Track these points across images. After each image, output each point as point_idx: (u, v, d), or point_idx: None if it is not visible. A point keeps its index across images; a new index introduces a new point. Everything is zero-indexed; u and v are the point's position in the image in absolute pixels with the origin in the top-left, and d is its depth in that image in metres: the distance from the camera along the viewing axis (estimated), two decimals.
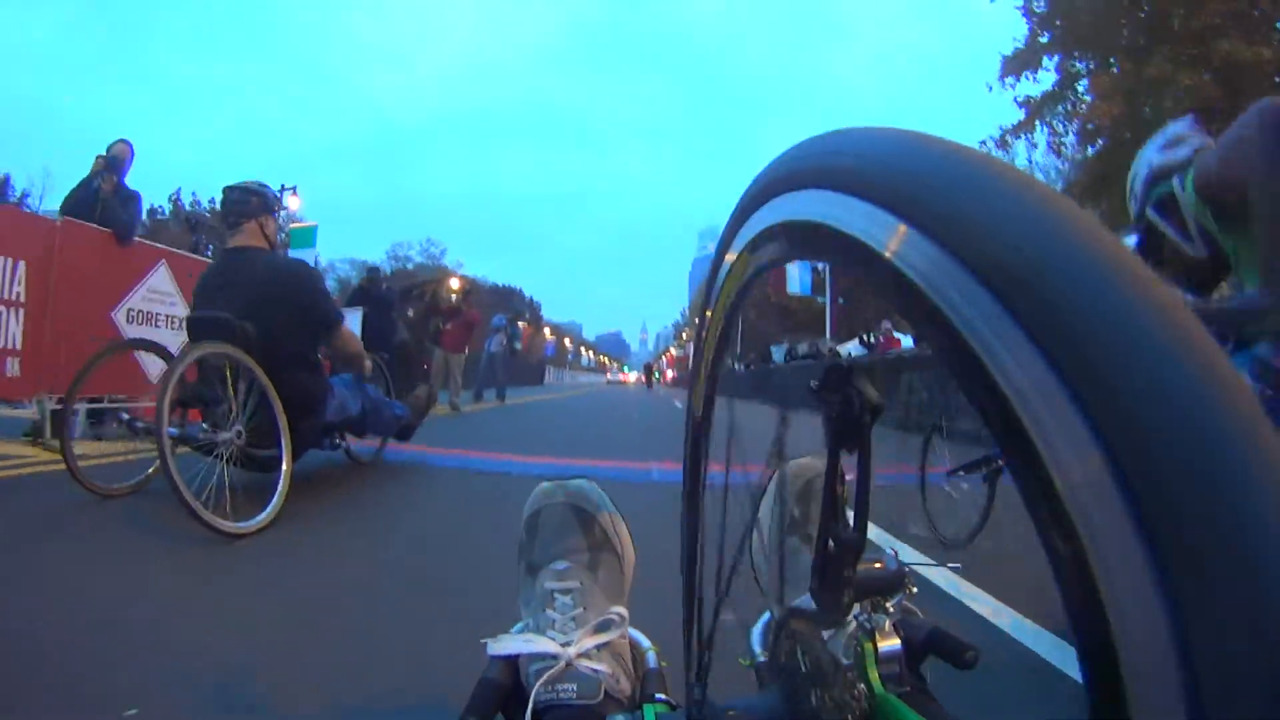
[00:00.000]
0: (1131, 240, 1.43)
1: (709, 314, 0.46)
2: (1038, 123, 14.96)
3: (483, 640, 0.61)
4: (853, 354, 11.31)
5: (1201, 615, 0.15)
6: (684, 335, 62.30)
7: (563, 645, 0.59)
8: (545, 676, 0.57)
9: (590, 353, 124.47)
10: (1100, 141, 14.09)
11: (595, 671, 0.58)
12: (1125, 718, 0.16)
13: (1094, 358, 0.17)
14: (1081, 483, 0.17)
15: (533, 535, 0.68)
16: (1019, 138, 15.43)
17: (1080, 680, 0.18)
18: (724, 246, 0.40)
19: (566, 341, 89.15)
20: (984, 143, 15.34)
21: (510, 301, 55.09)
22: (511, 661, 0.61)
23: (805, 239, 0.30)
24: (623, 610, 0.63)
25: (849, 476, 0.37)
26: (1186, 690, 0.15)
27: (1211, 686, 0.15)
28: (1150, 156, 1.39)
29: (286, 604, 1.46)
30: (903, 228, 0.23)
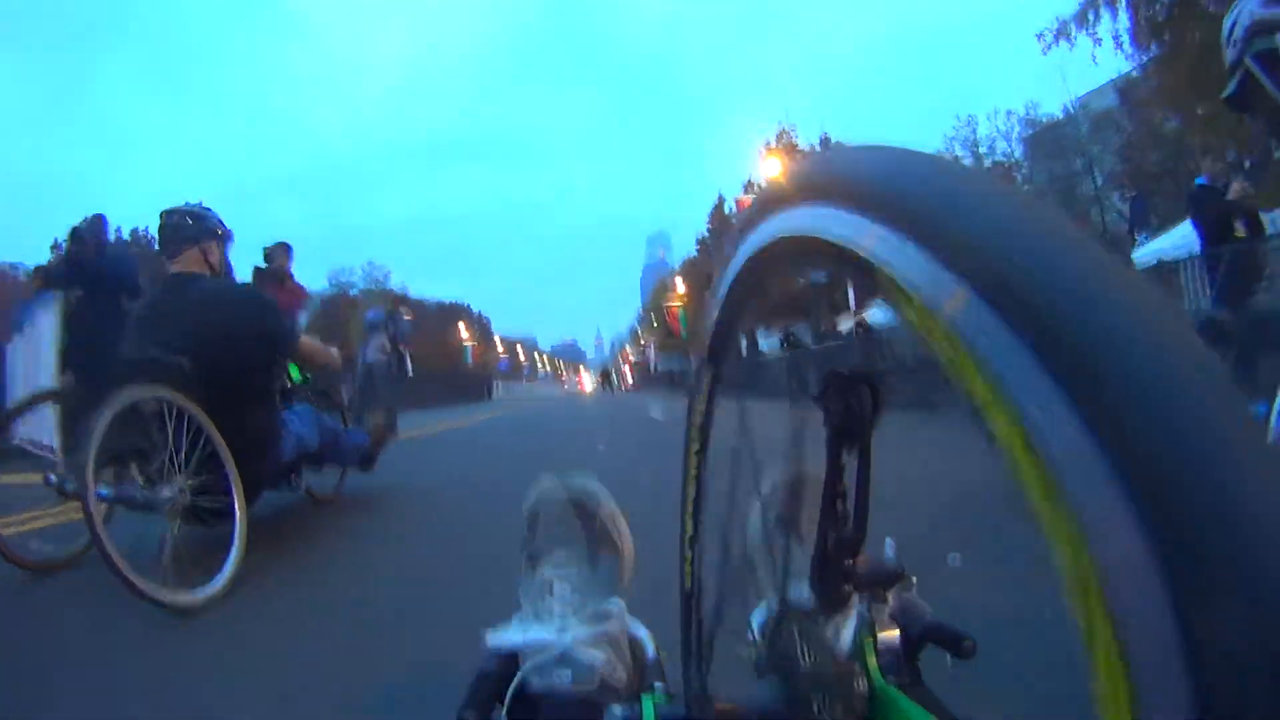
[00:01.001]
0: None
1: (712, 326, 0.47)
2: (1104, 10, 12.54)
3: (482, 631, 0.62)
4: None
5: (1205, 613, 0.16)
6: (641, 339, 62.24)
7: (558, 633, 0.60)
8: (539, 661, 0.59)
9: (546, 364, 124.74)
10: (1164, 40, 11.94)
11: (591, 659, 0.59)
12: (1129, 716, 0.17)
13: (1094, 363, 0.18)
14: (1084, 482, 0.18)
15: (533, 529, 0.70)
16: (1082, 29, 12.92)
17: (1084, 677, 0.18)
18: (732, 249, 0.41)
19: (520, 354, 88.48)
20: (1041, 35, 13.18)
21: (457, 318, 53.73)
22: (510, 653, 0.62)
23: (805, 252, 0.31)
24: (620, 602, 0.65)
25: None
26: (1191, 688, 0.16)
27: (1216, 684, 0.15)
28: (1253, 8, 1.40)
29: (255, 693, 1.29)
30: (903, 241, 0.24)
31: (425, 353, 42.65)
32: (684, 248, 45.43)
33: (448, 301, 58.34)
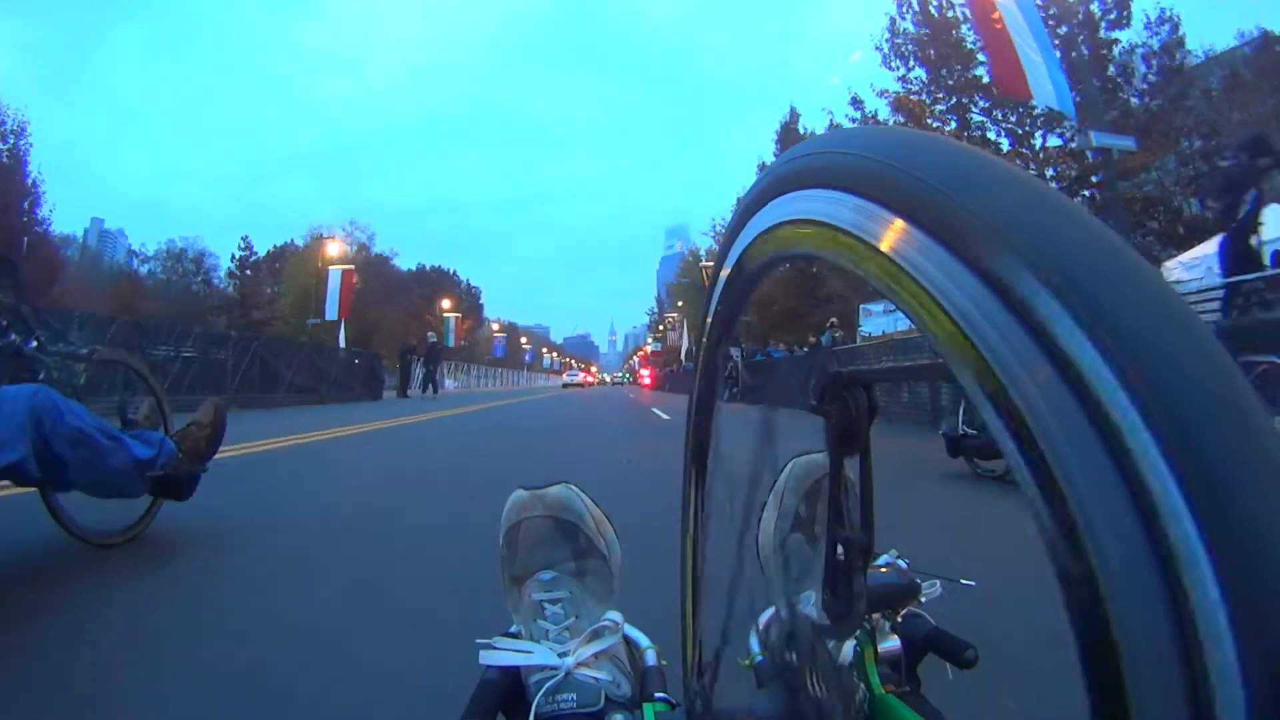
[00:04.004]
0: None
1: (709, 320, 0.50)
2: None
3: (478, 641, 0.65)
4: None
5: (1203, 617, 0.16)
6: (661, 327, 60.35)
7: (560, 655, 0.64)
8: (545, 688, 0.63)
9: (555, 355, 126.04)
10: None
11: (595, 679, 0.63)
12: None
13: (1096, 358, 0.19)
14: (1085, 484, 0.19)
15: (513, 548, 0.71)
16: None
17: (1082, 683, 0.19)
18: (728, 240, 0.42)
19: (524, 341, 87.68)
20: None
21: (438, 286, 50.64)
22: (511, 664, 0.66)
23: (809, 239, 0.32)
24: (617, 616, 0.68)
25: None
26: (1188, 693, 0.16)
27: (1213, 689, 0.16)
28: None
29: None
30: (902, 224, 0.25)
31: (396, 327, 39.99)
32: (702, 241, 42.97)
33: (430, 266, 53.18)
